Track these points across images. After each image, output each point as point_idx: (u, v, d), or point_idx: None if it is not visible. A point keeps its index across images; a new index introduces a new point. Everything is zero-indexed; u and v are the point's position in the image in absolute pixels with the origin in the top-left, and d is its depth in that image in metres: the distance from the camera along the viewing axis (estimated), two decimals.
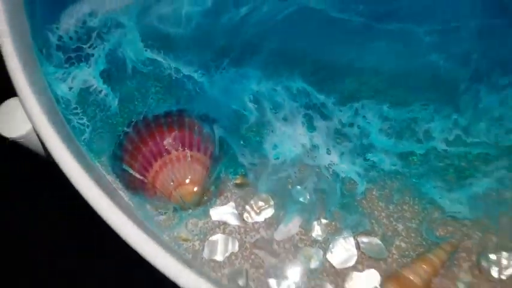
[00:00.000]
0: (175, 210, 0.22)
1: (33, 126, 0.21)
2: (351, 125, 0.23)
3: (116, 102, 0.24)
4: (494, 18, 0.25)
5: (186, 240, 0.22)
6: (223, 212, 0.22)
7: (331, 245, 0.21)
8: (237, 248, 0.21)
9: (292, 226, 0.22)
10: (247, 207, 0.22)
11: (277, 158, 0.23)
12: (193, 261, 0.21)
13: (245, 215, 0.22)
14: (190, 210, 0.22)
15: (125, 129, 0.23)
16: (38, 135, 0.20)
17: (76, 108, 0.24)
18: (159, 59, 0.24)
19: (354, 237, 0.21)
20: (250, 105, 0.24)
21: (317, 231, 0.22)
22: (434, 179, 0.22)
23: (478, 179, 0.22)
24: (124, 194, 0.22)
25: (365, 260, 0.21)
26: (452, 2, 0.25)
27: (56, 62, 0.25)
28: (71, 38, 0.26)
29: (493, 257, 0.21)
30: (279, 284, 0.21)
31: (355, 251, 0.21)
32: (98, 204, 0.18)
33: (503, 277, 0.21)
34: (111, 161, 0.23)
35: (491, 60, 0.24)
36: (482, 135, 0.23)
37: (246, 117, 0.23)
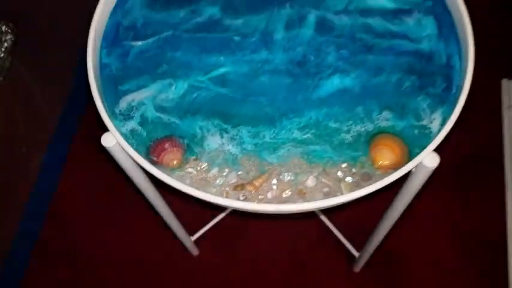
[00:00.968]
0: (172, 170, 0.59)
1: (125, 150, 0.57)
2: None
3: (145, 133, 0.61)
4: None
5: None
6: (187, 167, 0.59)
7: None
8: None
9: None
10: (196, 168, 0.59)
11: (210, 149, 0.60)
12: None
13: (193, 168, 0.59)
14: (175, 170, 0.59)
15: (150, 143, 0.60)
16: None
17: (129, 137, 0.61)
18: (163, 116, 0.62)
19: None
20: (199, 131, 0.62)
21: None
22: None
23: None
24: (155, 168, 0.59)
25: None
26: None
27: (119, 119, 0.62)
28: (123, 108, 0.63)
29: None
30: None
31: None
32: (151, 169, 0.55)
33: None
34: (146, 155, 0.60)
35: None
36: None
37: (196, 134, 0.61)
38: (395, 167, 0.53)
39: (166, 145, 0.59)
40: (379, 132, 0.58)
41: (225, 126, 0.59)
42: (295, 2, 0.66)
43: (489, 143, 1.26)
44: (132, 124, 0.61)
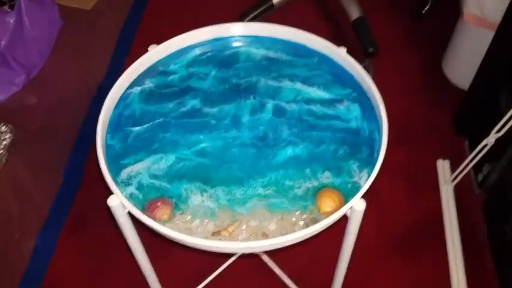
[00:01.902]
0: (164, 223, 0.74)
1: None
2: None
3: (141, 195, 0.77)
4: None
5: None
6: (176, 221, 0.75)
7: None
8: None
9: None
10: (182, 220, 0.75)
11: (193, 205, 0.76)
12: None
13: (179, 220, 0.74)
14: (166, 222, 0.74)
15: (144, 202, 0.76)
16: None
17: (129, 199, 0.77)
18: (155, 182, 0.78)
19: None
20: (184, 192, 0.78)
21: None
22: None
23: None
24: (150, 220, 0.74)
25: None
26: None
27: (121, 185, 0.79)
28: (124, 178, 0.80)
29: None
30: None
31: None
32: (147, 220, 0.71)
33: None
34: (142, 212, 0.75)
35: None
36: None
37: (182, 194, 0.77)
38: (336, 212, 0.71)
39: (159, 203, 0.75)
40: (323, 186, 0.76)
41: (205, 187, 0.77)
42: (257, 95, 0.89)
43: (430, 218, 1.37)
44: (131, 189, 0.77)
